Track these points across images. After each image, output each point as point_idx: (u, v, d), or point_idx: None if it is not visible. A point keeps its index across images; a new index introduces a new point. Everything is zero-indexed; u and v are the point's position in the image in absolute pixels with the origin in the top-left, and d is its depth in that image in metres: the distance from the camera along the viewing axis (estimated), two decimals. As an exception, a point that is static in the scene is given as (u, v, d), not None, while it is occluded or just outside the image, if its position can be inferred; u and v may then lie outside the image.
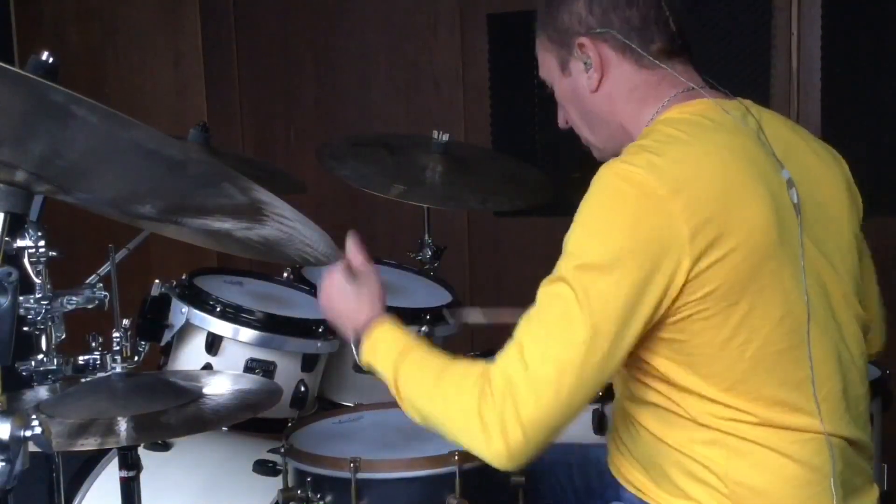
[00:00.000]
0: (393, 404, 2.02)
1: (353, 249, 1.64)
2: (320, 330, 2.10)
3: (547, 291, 1.33)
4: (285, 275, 2.34)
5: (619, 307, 1.28)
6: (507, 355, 1.33)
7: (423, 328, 2.24)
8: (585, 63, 1.49)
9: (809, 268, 1.36)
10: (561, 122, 1.62)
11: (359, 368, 2.25)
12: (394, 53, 3.86)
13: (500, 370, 1.32)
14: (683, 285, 1.29)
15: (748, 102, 1.48)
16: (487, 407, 1.30)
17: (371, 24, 3.88)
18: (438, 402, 1.40)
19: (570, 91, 1.54)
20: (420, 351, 1.46)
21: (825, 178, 1.49)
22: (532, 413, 1.28)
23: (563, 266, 1.32)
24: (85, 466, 2.04)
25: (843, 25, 3.16)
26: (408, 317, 2.27)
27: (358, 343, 1.55)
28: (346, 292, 1.60)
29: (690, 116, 1.42)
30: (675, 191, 1.28)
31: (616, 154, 1.53)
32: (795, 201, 1.37)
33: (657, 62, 1.45)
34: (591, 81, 1.49)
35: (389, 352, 1.48)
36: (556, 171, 2.90)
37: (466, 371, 1.38)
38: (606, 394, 1.97)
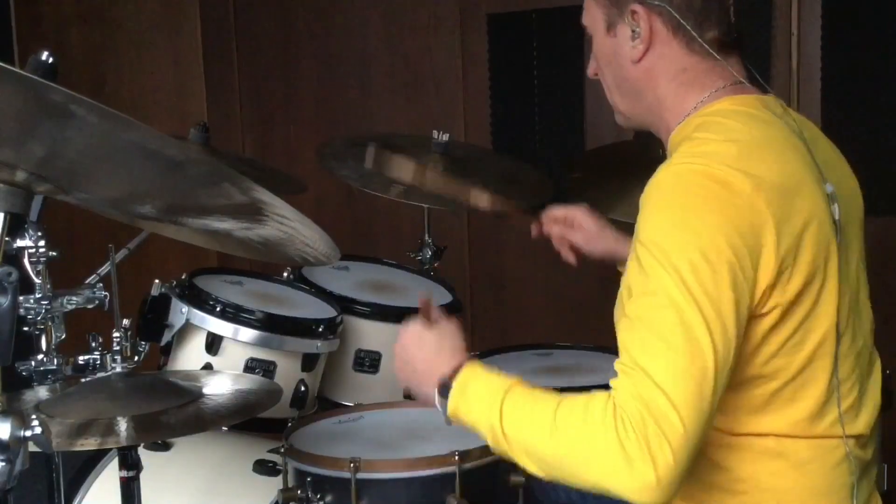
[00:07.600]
0: (393, 404, 2.03)
1: (428, 307, 1.53)
2: (320, 330, 2.10)
3: (647, 303, 1.24)
4: (285, 275, 2.34)
5: (729, 302, 1.22)
6: (632, 378, 1.22)
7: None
8: (634, 31, 1.42)
9: (843, 287, 1.33)
10: (590, 73, 1.55)
11: (360, 368, 2.29)
12: (394, 53, 3.86)
13: (629, 395, 1.20)
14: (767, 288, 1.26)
15: (781, 102, 1.44)
16: (627, 435, 1.18)
17: (371, 24, 3.88)
18: (562, 440, 1.25)
19: (611, 53, 1.48)
20: (523, 387, 1.32)
21: (853, 192, 1.46)
22: (679, 433, 1.18)
23: (659, 271, 1.23)
24: (85, 466, 2.04)
25: (843, 25, 3.16)
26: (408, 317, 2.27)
27: (444, 391, 1.38)
28: (425, 340, 1.47)
29: (747, 110, 1.37)
30: (756, 187, 1.25)
31: (640, 126, 1.51)
32: (837, 218, 1.33)
33: (710, 51, 1.40)
34: (635, 52, 1.43)
35: (487, 394, 1.32)
36: (556, 171, 2.90)
37: (587, 403, 1.25)
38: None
